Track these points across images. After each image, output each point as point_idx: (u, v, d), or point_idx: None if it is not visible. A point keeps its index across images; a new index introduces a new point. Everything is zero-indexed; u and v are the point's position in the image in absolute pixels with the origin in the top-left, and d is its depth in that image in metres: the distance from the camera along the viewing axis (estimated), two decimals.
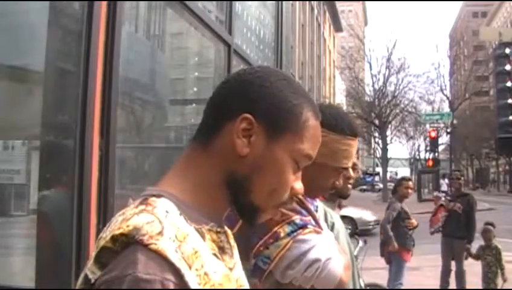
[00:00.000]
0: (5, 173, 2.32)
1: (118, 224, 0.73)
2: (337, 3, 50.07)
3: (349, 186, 1.75)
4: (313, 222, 1.36)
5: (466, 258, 6.66)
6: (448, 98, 42.23)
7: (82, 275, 0.73)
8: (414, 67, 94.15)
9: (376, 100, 32.77)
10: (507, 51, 53.21)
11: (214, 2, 3.76)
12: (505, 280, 6.14)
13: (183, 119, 4.38)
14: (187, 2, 2.61)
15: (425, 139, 42.72)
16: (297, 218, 1.33)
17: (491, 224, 6.50)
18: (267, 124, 0.83)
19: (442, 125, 34.24)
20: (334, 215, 1.72)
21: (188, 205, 0.81)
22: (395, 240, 6.25)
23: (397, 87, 32.82)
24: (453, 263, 6.94)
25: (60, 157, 1.88)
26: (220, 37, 3.22)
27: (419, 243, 6.83)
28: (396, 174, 59.75)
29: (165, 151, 3.62)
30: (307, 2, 36.13)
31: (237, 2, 3.78)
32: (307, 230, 1.32)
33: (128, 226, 0.71)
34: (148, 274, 0.67)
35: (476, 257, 6.46)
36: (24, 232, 2.18)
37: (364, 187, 48.94)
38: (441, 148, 41.88)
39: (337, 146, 1.44)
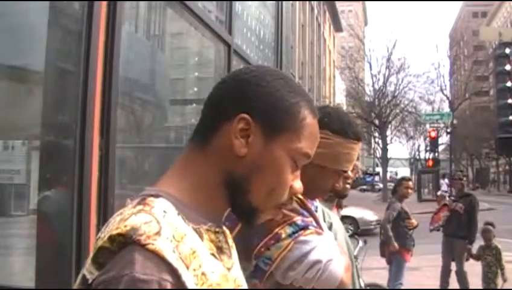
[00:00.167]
0: (5, 173, 2.32)
1: (116, 224, 0.73)
2: (337, 3, 50.06)
3: (348, 186, 1.75)
4: (314, 223, 1.36)
5: (467, 259, 6.66)
6: (448, 98, 42.23)
7: (80, 276, 0.73)
8: (414, 67, 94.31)
9: (376, 100, 32.77)
10: (507, 51, 53.22)
11: (214, 2, 3.76)
12: (505, 280, 6.14)
13: (183, 119, 4.39)
14: (187, 2, 2.61)
15: (425, 139, 42.75)
16: (298, 219, 1.33)
17: (491, 224, 6.50)
18: (264, 123, 0.83)
19: (442, 125, 34.23)
20: (332, 216, 1.72)
21: (186, 205, 0.80)
22: (395, 240, 6.26)
23: (397, 87, 32.86)
24: (453, 263, 6.94)
25: (60, 157, 1.88)
26: (220, 37, 3.23)
27: (419, 243, 6.83)
28: (396, 174, 59.73)
29: (165, 151, 3.62)
30: (307, 2, 36.13)
31: (237, 2, 3.78)
32: (308, 231, 1.32)
33: (125, 226, 0.71)
34: (145, 274, 0.67)
35: (477, 257, 6.46)
36: (24, 232, 2.18)
37: (364, 187, 48.97)
38: (441, 148, 41.91)
39: (339, 149, 1.44)
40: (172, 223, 0.75)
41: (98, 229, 1.67)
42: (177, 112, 4.35)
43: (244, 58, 3.67)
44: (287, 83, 0.88)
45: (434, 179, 28.92)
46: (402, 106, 33.83)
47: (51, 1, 1.93)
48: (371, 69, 34.60)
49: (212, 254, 0.80)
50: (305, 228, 1.32)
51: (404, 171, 57.43)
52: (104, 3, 1.80)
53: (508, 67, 54.34)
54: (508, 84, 54.72)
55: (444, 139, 41.54)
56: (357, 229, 12.34)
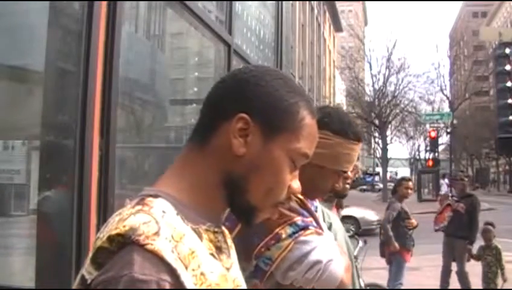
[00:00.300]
0: (5, 173, 2.32)
1: (115, 224, 0.73)
2: (337, 3, 50.03)
3: (347, 186, 1.75)
4: (314, 223, 1.36)
5: (468, 260, 6.66)
6: (448, 98, 42.21)
7: (79, 276, 0.73)
8: (414, 67, 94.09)
9: (376, 100, 32.77)
10: (507, 51, 53.22)
11: (214, 2, 3.76)
12: (505, 280, 6.14)
13: (183, 119, 4.39)
14: (187, 2, 2.61)
15: (425, 139, 42.74)
16: (298, 219, 1.33)
17: (491, 224, 6.50)
18: (263, 123, 0.83)
19: (442, 125, 34.22)
20: (332, 216, 1.72)
21: (185, 205, 0.80)
22: (395, 240, 6.26)
23: (397, 87, 32.85)
24: (453, 264, 6.94)
25: (60, 157, 1.88)
26: (220, 37, 3.23)
27: (419, 243, 6.83)
28: (396, 174, 59.76)
29: (165, 151, 3.62)
30: (307, 2, 36.11)
31: (237, 2, 3.78)
32: (308, 231, 1.32)
33: (124, 226, 0.71)
34: (144, 275, 0.67)
35: (477, 257, 6.46)
36: (24, 232, 2.18)
37: (364, 187, 48.98)
38: (441, 148, 41.91)
39: (340, 150, 1.44)
40: (171, 223, 0.75)
41: (98, 229, 1.67)
42: (177, 112, 4.36)
43: (244, 58, 3.67)
44: (286, 83, 0.88)
45: (434, 179, 28.93)
46: (402, 106, 33.84)
47: (51, 1, 1.93)
48: (371, 69, 34.63)
49: (211, 254, 0.80)
50: (305, 228, 1.32)
51: (404, 171, 57.47)
52: (104, 3, 1.80)
53: (508, 67, 54.34)
54: (508, 84, 54.71)
55: (444, 139, 41.57)
56: (358, 229, 12.33)
